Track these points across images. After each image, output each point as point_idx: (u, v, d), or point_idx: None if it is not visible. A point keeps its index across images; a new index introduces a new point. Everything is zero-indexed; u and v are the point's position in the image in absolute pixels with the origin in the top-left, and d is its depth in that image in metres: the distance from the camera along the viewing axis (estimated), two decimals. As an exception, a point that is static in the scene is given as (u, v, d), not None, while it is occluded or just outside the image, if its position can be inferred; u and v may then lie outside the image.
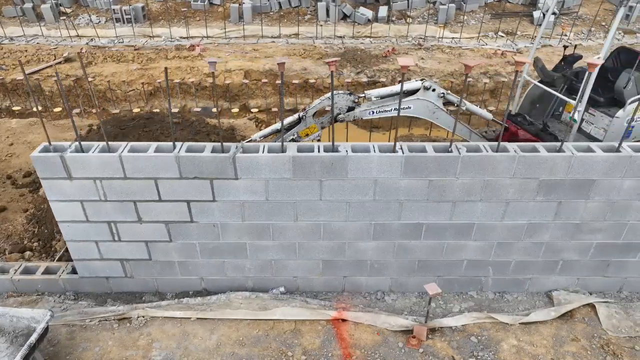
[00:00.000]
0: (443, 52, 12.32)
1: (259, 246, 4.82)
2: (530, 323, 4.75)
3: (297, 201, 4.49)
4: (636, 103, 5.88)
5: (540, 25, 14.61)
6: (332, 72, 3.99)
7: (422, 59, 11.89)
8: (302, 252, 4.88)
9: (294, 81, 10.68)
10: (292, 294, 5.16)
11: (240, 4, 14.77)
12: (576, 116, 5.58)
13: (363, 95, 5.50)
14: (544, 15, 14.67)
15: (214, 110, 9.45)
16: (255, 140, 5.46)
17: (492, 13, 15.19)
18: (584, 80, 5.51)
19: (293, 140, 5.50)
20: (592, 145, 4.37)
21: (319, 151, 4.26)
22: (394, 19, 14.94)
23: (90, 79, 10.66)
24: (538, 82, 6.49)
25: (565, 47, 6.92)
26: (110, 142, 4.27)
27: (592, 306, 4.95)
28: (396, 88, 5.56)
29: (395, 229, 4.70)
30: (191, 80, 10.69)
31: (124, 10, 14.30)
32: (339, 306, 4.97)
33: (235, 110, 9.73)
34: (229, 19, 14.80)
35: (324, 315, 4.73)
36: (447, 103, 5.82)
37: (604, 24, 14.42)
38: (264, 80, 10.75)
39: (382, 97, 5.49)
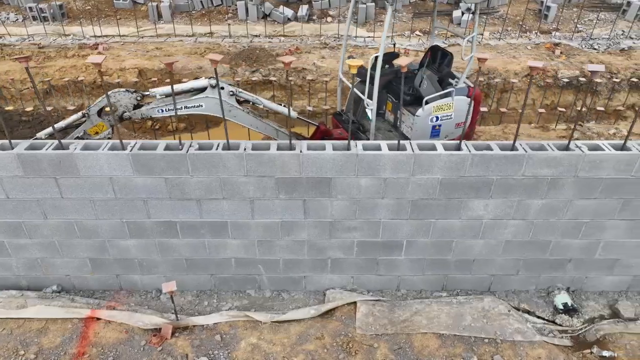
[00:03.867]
0: (348, 51, 12.30)
1: (18, 245, 4.79)
2: (286, 321, 4.75)
3: (40, 199, 4.47)
4: (437, 102, 5.90)
5: (459, 24, 14.64)
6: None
7: (323, 57, 11.88)
8: (64, 251, 4.86)
9: (185, 80, 10.64)
10: (67, 293, 5.15)
11: (158, 3, 14.71)
12: (369, 114, 5.57)
13: (147, 93, 5.49)
14: (462, 13, 14.71)
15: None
16: (40, 138, 5.43)
17: (414, 12, 15.19)
18: (366, 78, 5.52)
19: (79, 138, 5.48)
20: (326, 143, 4.37)
21: (47, 149, 4.24)
22: (314, 17, 14.92)
23: (-22, 77, 10.61)
24: (360, 81, 6.49)
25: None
26: None
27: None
28: (182, 86, 5.54)
29: (150, 227, 4.69)
30: (80, 79, 10.65)
31: (40, 9, 14.21)
32: (109, 305, 4.96)
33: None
34: (149, 18, 14.74)
35: (77, 314, 4.71)
36: (245, 102, 5.82)
37: (521, 23, 14.43)
38: (154, 79, 10.73)
39: (168, 95, 5.47)
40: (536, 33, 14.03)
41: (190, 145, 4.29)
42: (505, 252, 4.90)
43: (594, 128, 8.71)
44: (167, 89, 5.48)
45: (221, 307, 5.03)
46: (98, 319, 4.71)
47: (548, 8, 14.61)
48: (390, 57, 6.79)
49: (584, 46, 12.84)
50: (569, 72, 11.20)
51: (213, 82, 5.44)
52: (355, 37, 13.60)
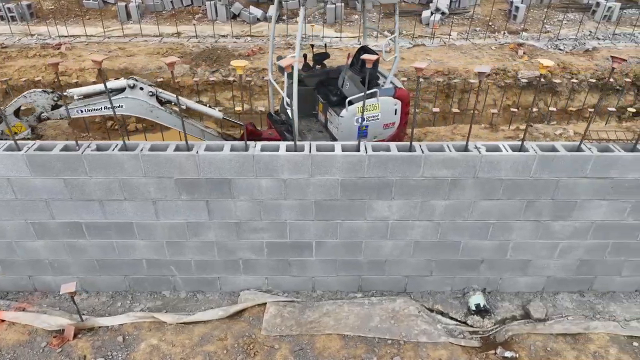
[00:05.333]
0: (313, 51, 12.28)
1: None
2: (194, 323, 4.73)
3: (-60, 200, 4.45)
4: (361, 102, 5.87)
5: (427, 24, 14.63)
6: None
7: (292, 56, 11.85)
8: (-28, 252, 4.84)
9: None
10: (-20, 294, 5.12)
11: (127, 3, 14.69)
12: (290, 113, 5.56)
13: (66, 93, 5.47)
14: (432, 13, 14.71)
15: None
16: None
17: (383, 13, 15.18)
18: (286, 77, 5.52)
19: (-3, 138, 5.46)
20: (225, 144, 4.36)
21: (-59, 150, 4.22)
22: (284, 17, 14.90)
23: None
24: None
25: (312, 45, 6.91)
26: None
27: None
28: (99, 87, 5.52)
29: (56, 228, 4.66)
30: (37, 79, 10.62)
31: (8, 8, 14.18)
32: (18, 306, 4.94)
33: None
34: (118, 18, 14.71)
35: (-18, 315, 4.69)
36: (168, 102, 5.80)
37: (490, 24, 14.42)
38: (113, 78, 10.69)
39: (86, 96, 5.45)
40: (504, 33, 14.03)
41: (87, 146, 4.27)
42: (416, 253, 4.89)
43: (541, 129, 8.69)
44: (84, 89, 5.46)
45: (134, 308, 5.01)
46: (3, 320, 4.69)
47: (517, 8, 14.62)
48: (321, 57, 6.79)
49: (549, 47, 12.84)
50: (528, 72, 11.20)
51: (131, 82, 5.42)
52: (323, 37, 13.60)
